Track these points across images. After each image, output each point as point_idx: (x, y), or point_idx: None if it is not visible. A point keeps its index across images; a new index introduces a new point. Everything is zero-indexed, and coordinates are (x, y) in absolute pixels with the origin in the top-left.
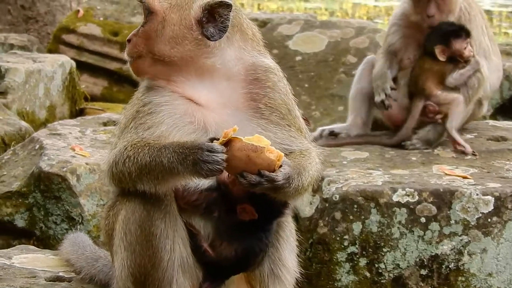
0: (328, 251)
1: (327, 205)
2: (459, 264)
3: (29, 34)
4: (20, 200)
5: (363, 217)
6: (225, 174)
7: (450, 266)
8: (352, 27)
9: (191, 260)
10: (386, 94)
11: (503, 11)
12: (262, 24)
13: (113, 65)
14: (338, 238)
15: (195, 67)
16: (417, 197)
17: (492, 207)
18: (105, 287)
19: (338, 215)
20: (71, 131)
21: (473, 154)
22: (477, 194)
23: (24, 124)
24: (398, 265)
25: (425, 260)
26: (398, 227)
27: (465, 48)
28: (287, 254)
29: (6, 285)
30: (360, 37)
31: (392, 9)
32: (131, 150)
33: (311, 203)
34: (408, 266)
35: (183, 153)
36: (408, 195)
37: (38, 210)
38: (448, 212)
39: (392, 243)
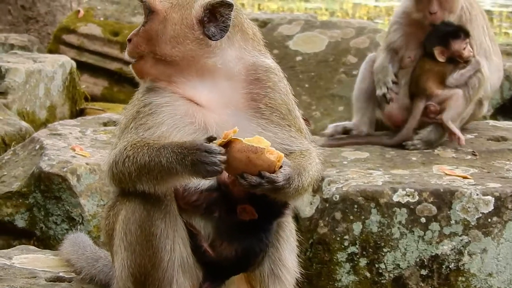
0: (328, 251)
1: (327, 205)
2: (459, 264)
3: (30, 34)
4: (20, 200)
5: (363, 217)
6: (225, 174)
7: (450, 266)
8: (353, 27)
9: (191, 260)
10: (387, 88)
11: (503, 11)
12: (263, 24)
13: (113, 65)
14: (338, 238)
15: (196, 67)
16: (417, 197)
17: (492, 207)
18: (105, 287)
19: (338, 215)
20: (72, 131)
21: (473, 154)
22: (477, 194)
23: (24, 124)
24: (398, 265)
25: (425, 260)
26: (398, 227)
27: (464, 48)
28: (287, 254)
29: (6, 285)
30: (361, 37)
31: (392, 9)
32: (130, 150)
33: (311, 203)
34: (408, 266)
35: (181, 153)
36: (408, 195)
37: (39, 210)
38: (448, 212)
39: (392, 243)
